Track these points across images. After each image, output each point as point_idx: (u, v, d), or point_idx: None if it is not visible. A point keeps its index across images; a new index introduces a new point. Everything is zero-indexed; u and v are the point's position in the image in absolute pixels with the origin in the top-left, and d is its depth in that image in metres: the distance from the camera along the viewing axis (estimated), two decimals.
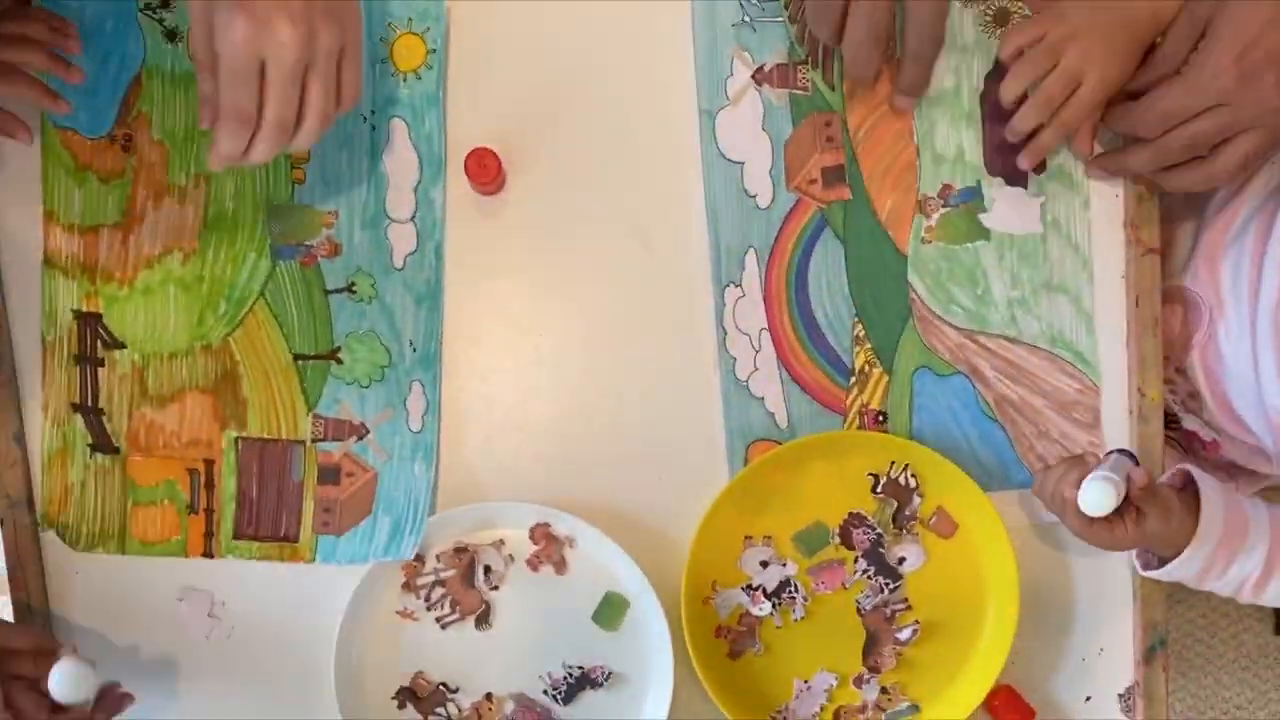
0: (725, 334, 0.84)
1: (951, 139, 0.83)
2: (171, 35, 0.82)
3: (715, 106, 0.83)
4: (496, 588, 0.83)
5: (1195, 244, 0.86)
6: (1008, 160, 0.83)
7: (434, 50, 0.82)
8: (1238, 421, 0.87)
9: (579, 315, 0.84)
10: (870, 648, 0.84)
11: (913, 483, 0.83)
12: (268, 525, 0.83)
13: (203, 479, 0.83)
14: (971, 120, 0.83)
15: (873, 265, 0.84)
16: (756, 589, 0.83)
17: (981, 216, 0.83)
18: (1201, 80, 0.72)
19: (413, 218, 0.83)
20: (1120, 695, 0.86)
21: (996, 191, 0.83)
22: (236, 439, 0.83)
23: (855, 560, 0.84)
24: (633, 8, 0.83)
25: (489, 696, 0.83)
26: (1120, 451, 0.81)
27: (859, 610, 0.84)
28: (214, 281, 0.83)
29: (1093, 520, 0.75)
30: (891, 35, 0.77)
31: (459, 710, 0.83)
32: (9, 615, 0.83)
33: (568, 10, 0.83)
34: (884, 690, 0.84)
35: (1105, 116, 0.80)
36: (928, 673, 0.84)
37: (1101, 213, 0.84)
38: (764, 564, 0.84)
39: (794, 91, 0.84)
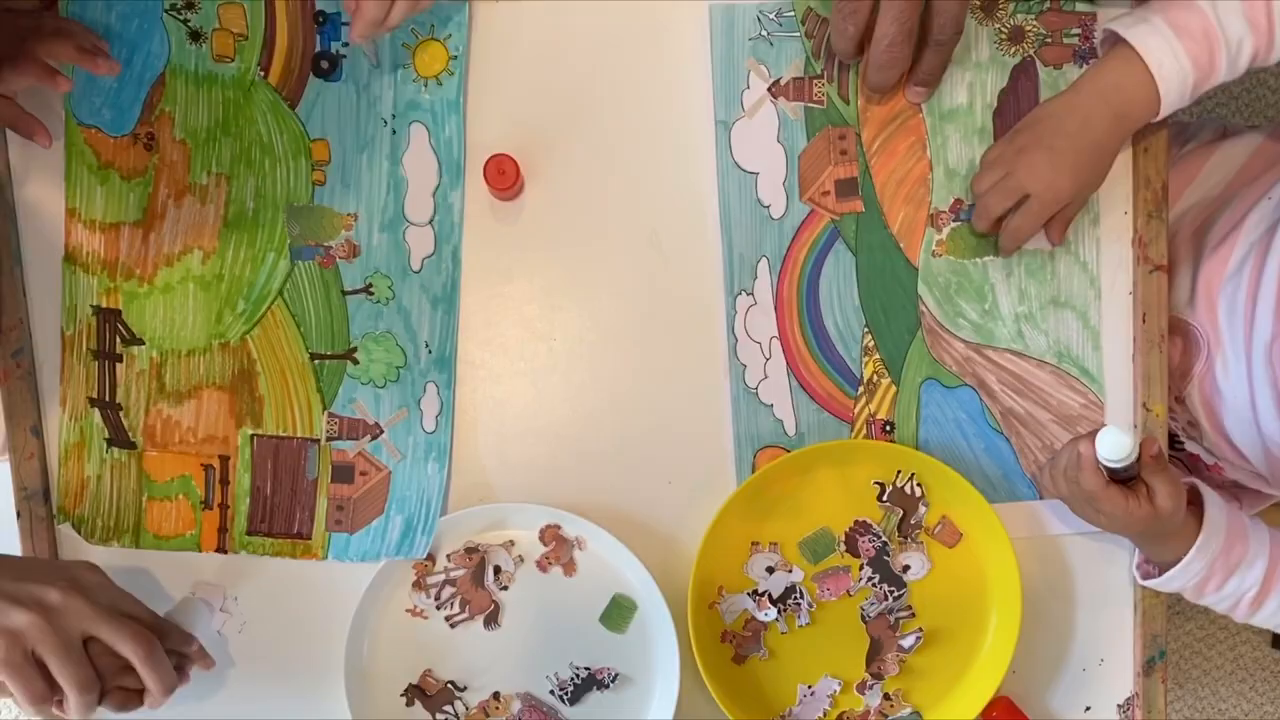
0: (736, 341, 0.85)
1: (964, 154, 0.85)
2: (195, 36, 0.83)
3: (731, 118, 0.85)
4: (506, 588, 0.84)
5: (1195, 278, 0.87)
6: None
7: (456, 57, 0.83)
8: (1236, 451, 0.88)
9: (592, 320, 0.85)
10: (874, 654, 0.85)
11: (918, 492, 0.84)
12: (281, 522, 0.84)
13: (218, 475, 0.84)
14: (984, 136, 0.84)
15: (883, 277, 0.85)
16: (762, 594, 0.84)
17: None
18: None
19: (431, 221, 0.84)
20: (1120, 706, 0.87)
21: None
22: (252, 436, 0.84)
23: (860, 568, 0.85)
24: (652, 20, 0.84)
25: (496, 695, 0.84)
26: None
27: (863, 617, 0.85)
28: (233, 280, 0.84)
29: (1108, 486, 0.76)
30: (915, 30, 0.78)
31: (466, 708, 0.84)
32: None
33: (588, 20, 0.84)
34: (887, 697, 0.85)
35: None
36: (930, 680, 0.85)
37: (1110, 230, 0.85)
38: (770, 570, 0.85)
39: (809, 105, 0.85)
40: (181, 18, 0.83)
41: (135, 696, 0.73)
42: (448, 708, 0.84)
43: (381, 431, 0.84)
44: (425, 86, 0.84)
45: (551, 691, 0.84)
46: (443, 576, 0.84)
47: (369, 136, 0.84)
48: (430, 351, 0.84)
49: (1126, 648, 0.86)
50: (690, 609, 0.82)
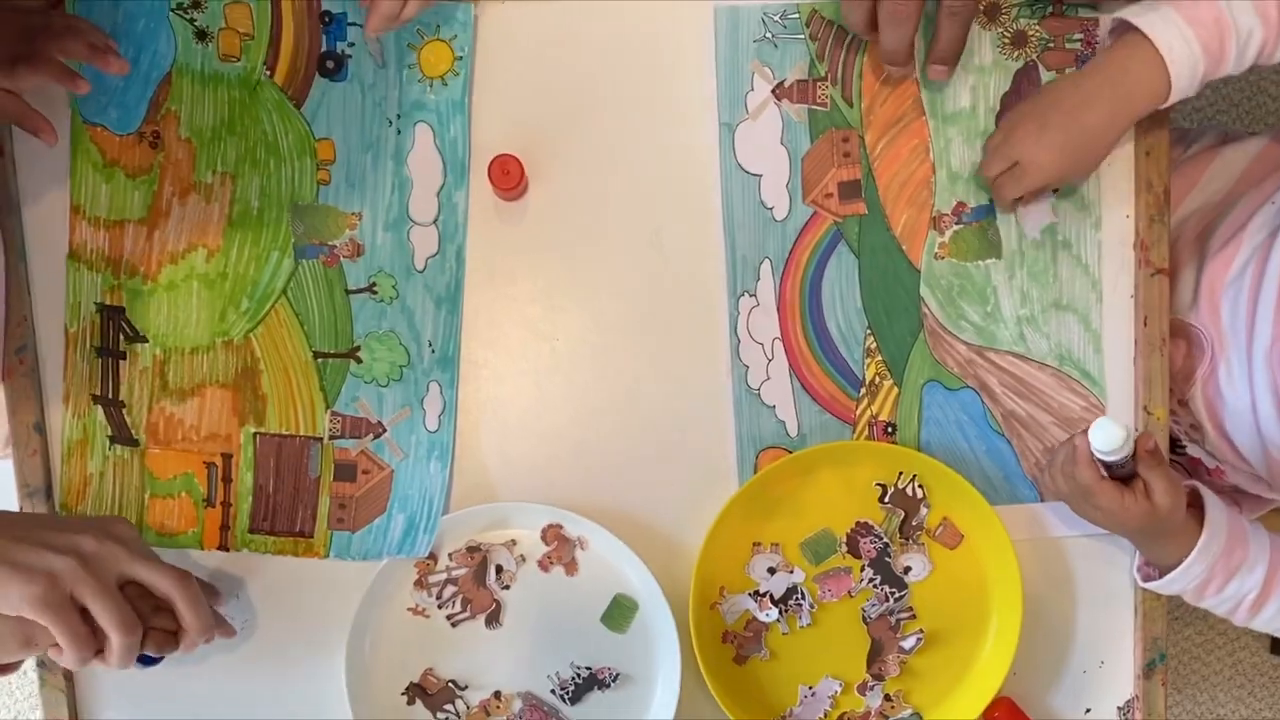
0: (739, 342, 0.85)
1: (967, 157, 0.85)
2: (202, 35, 0.84)
3: (735, 120, 0.85)
4: (508, 587, 0.84)
5: (1198, 281, 0.87)
6: None
7: (461, 57, 0.84)
8: (1238, 454, 0.88)
9: (595, 320, 0.85)
10: (874, 655, 0.85)
11: (920, 494, 0.85)
12: (283, 520, 0.84)
13: (220, 473, 0.84)
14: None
15: (886, 279, 0.85)
16: (764, 595, 0.84)
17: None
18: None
19: (435, 221, 0.84)
20: (1120, 708, 0.87)
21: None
22: (255, 434, 0.84)
23: (862, 569, 0.85)
24: (656, 22, 0.84)
25: (497, 695, 0.84)
26: None
27: (864, 618, 0.85)
28: (237, 278, 0.84)
29: (1103, 480, 0.77)
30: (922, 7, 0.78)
31: (467, 707, 0.84)
32: None
33: (593, 22, 0.84)
34: (887, 698, 0.85)
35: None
36: (931, 681, 0.85)
37: (1112, 233, 0.85)
38: (771, 570, 0.85)
39: (813, 107, 0.85)
40: (188, 17, 0.84)
41: (171, 638, 0.74)
42: (449, 706, 0.84)
43: (384, 430, 0.84)
44: (430, 87, 0.84)
45: (553, 691, 0.84)
46: (444, 575, 0.84)
47: (374, 136, 0.84)
48: (433, 351, 0.84)
49: (1127, 650, 0.86)
50: (692, 609, 0.82)
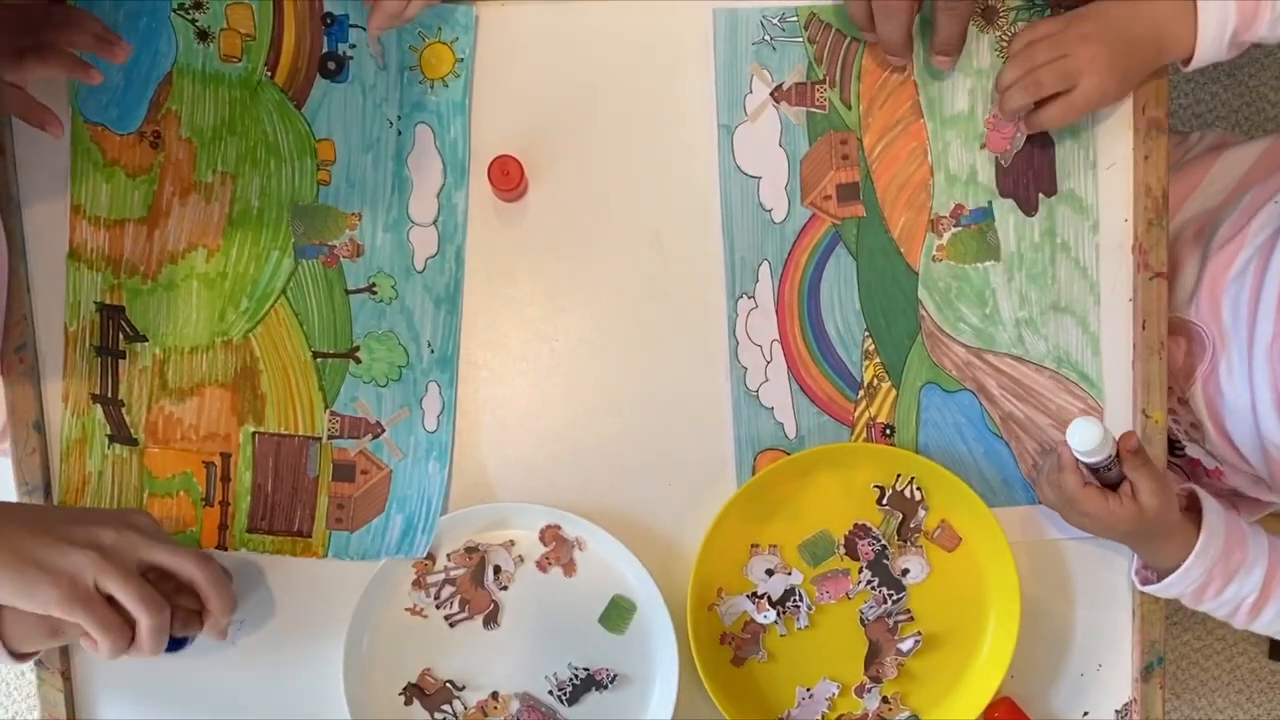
0: (737, 344, 0.85)
1: (965, 160, 0.85)
2: (203, 35, 0.84)
3: (734, 122, 0.85)
4: (506, 588, 0.84)
5: (1199, 278, 0.87)
6: (1019, 183, 0.85)
7: (462, 59, 0.84)
8: (1237, 452, 0.88)
9: (594, 321, 0.85)
10: (872, 658, 0.85)
11: (918, 496, 0.85)
12: (282, 520, 0.85)
13: (219, 472, 0.85)
14: (985, 141, 0.85)
15: (884, 281, 0.85)
16: (761, 597, 0.84)
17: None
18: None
19: (435, 222, 0.85)
20: (1118, 711, 0.87)
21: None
22: (254, 434, 0.84)
23: (859, 571, 0.85)
24: (656, 25, 0.85)
25: (495, 695, 0.84)
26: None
27: (862, 620, 0.85)
28: (237, 278, 0.84)
29: (1085, 486, 0.77)
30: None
31: (465, 708, 0.84)
32: None
33: (592, 24, 0.85)
34: (885, 700, 0.85)
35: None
36: (928, 683, 0.85)
37: (1110, 237, 0.85)
38: (769, 572, 0.85)
39: (811, 110, 0.85)
40: (189, 17, 0.84)
41: (195, 617, 0.75)
42: (446, 707, 0.84)
43: (383, 430, 0.84)
44: (431, 88, 0.84)
45: (550, 692, 0.84)
46: (442, 576, 0.84)
47: (374, 137, 0.84)
48: (432, 351, 0.85)
49: (1125, 653, 0.86)
50: (689, 611, 0.82)
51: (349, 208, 0.84)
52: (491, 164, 0.82)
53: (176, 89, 0.84)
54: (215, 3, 0.84)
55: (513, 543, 0.84)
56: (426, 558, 0.84)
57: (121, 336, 0.85)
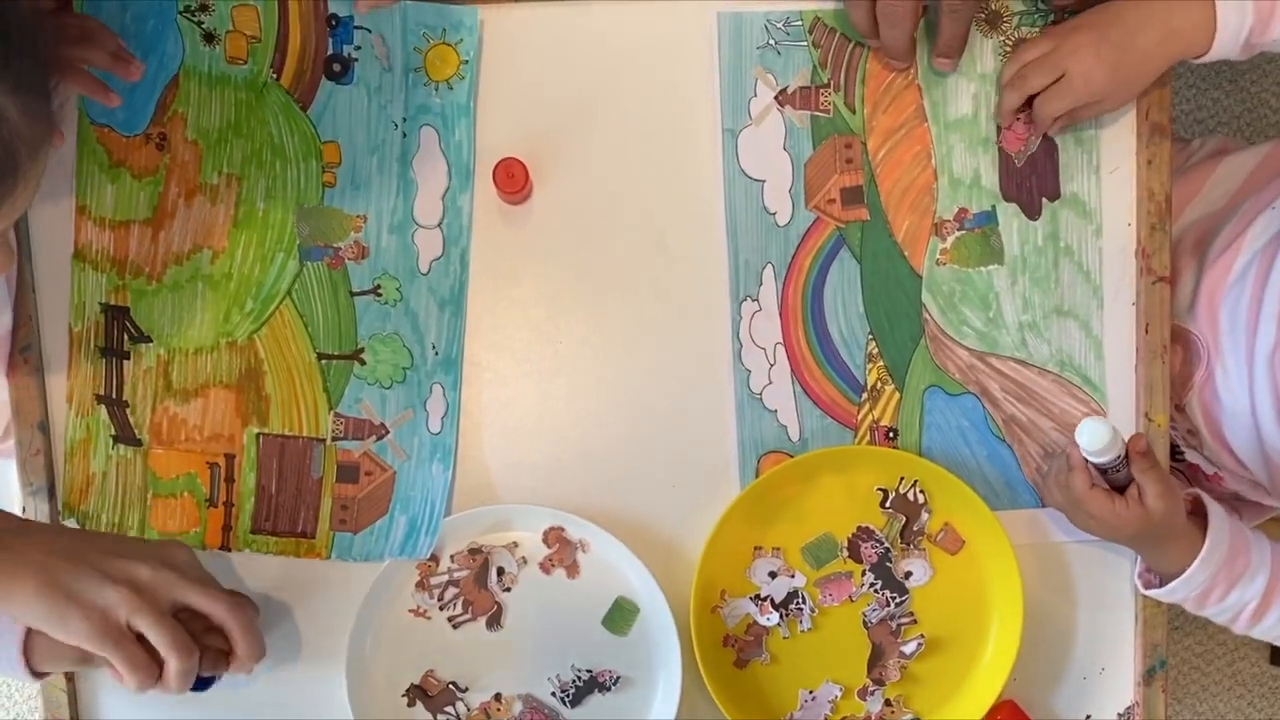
0: (741, 347, 0.85)
1: (969, 164, 0.85)
2: (209, 38, 0.84)
3: (738, 125, 0.85)
4: (509, 589, 0.85)
5: (1197, 287, 0.88)
6: (1022, 187, 0.85)
7: (466, 61, 0.84)
8: (1236, 459, 0.88)
9: (598, 324, 0.86)
10: (875, 660, 0.85)
11: (921, 499, 0.85)
12: (285, 521, 0.85)
13: (223, 473, 0.85)
14: (988, 146, 0.85)
15: (888, 285, 0.86)
16: (764, 599, 0.84)
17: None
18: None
19: (440, 224, 0.85)
20: (1120, 714, 0.87)
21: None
22: (258, 435, 0.85)
23: (863, 574, 0.85)
24: (660, 28, 0.85)
25: (498, 697, 0.84)
26: None
27: (865, 623, 0.85)
28: (242, 280, 0.85)
29: (1093, 488, 0.77)
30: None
31: (468, 709, 0.84)
32: None
33: (597, 27, 0.85)
34: (888, 703, 0.85)
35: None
36: (931, 686, 0.85)
37: (1113, 241, 0.85)
38: (772, 575, 0.85)
39: (815, 113, 0.86)
40: (195, 20, 0.84)
41: (223, 657, 0.75)
42: (449, 709, 0.84)
43: (387, 432, 0.85)
44: (436, 90, 0.84)
45: (553, 693, 0.84)
46: (446, 577, 0.84)
47: (379, 139, 0.84)
48: (437, 353, 0.85)
49: (1127, 656, 0.87)
50: (692, 613, 0.82)
51: (354, 210, 0.85)
52: (496, 166, 0.82)
53: (183, 91, 0.84)
54: (221, 5, 0.84)
55: (516, 544, 0.85)
56: (430, 559, 0.84)
57: (126, 337, 0.85)
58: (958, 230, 0.86)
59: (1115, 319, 0.86)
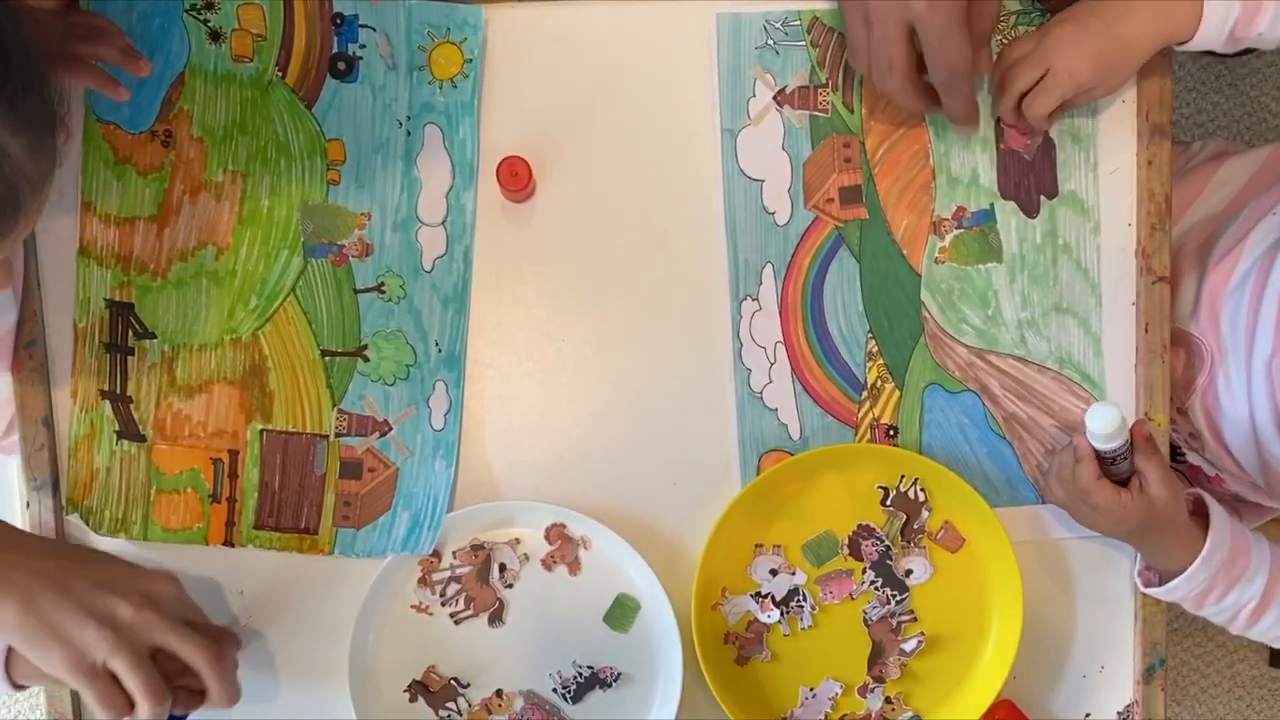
0: (741, 346, 0.86)
1: (967, 162, 0.86)
2: (215, 36, 0.85)
3: (737, 125, 0.86)
4: (511, 586, 0.85)
5: (1199, 291, 0.88)
6: (1020, 186, 0.86)
7: (471, 60, 0.85)
8: (1236, 463, 0.89)
9: (600, 322, 0.86)
10: (875, 658, 0.85)
11: (921, 497, 0.85)
12: (288, 516, 0.85)
13: (226, 469, 0.85)
14: (986, 144, 0.86)
15: (887, 283, 0.86)
16: (765, 597, 0.85)
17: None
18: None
19: (443, 222, 0.85)
20: (1119, 713, 0.87)
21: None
22: (261, 431, 0.85)
23: (863, 571, 0.85)
24: (660, 29, 0.86)
25: (499, 693, 0.85)
26: None
27: (865, 621, 0.85)
28: (246, 276, 0.85)
29: (1100, 479, 0.77)
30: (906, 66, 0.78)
31: (469, 705, 0.85)
32: None
33: (600, 27, 0.86)
34: (888, 700, 0.85)
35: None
36: (931, 684, 0.86)
37: (1112, 241, 0.86)
38: (773, 572, 0.85)
39: (814, 113, 0.86)
40: (201, 18, 0.85)
41: (197, 697, 0.75)
42: (450, 704, 0.85)
43: (390, 429, 0.85)
44: (440, 89, 0.85)
45: (554, 690, 0.84)
46: (448, 573, 0.85)
47: (384, 137, 0.85)
48: (440, 350, 0.85)
49: (1127, 655, 0.87)
50: (693, 610, 0.82)
51: (358, 207, 0.85)
52: (500, 165, 0.82)
53: (189, 89, 0.85)
54: (227, 3, 0.84)
55: (518, 541, 0.85)
56: (432, 555, 0.84)
57: (131, 333, 0.85)
58: (956, 228, 0.86)
59: (1115, 318, 0.86)
